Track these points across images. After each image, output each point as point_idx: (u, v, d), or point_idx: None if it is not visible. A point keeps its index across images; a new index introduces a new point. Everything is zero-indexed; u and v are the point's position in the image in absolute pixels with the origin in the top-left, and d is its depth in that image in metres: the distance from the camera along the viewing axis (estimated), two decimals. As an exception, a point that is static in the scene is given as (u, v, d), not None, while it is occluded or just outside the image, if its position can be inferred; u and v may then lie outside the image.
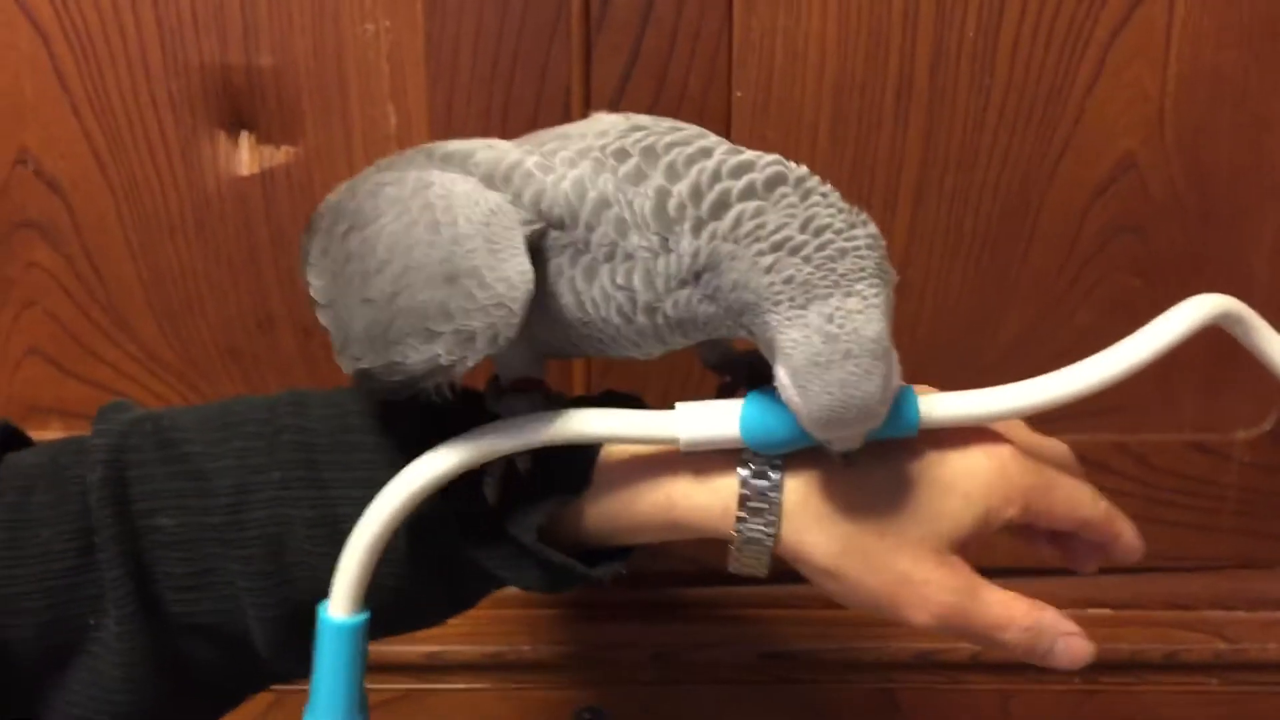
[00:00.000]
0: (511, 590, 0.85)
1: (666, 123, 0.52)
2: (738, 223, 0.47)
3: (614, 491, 0.54)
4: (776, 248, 0.46)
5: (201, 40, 0.77)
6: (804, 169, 0.48)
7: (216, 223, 0.79)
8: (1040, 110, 0.79)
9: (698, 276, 0.47)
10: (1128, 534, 0.56)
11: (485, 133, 0.77)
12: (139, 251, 0.80)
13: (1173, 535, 0.88)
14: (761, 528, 0.51)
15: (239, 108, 0.78)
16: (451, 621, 0.85)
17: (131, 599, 0.54)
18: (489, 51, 0.77)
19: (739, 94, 0.78)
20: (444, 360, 0.49)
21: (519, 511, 0.53)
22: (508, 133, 0.77)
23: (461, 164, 0.52)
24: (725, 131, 0.78)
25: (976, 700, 0.88)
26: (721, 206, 0.47)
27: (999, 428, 0.54)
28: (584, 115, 0.76)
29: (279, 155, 0.78)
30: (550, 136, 0.53)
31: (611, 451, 0.54)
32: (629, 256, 0.48)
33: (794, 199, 0.47)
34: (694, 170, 0.48)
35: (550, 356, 0.56)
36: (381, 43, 0.77)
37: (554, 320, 0.51)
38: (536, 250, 0.49)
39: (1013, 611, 0.53)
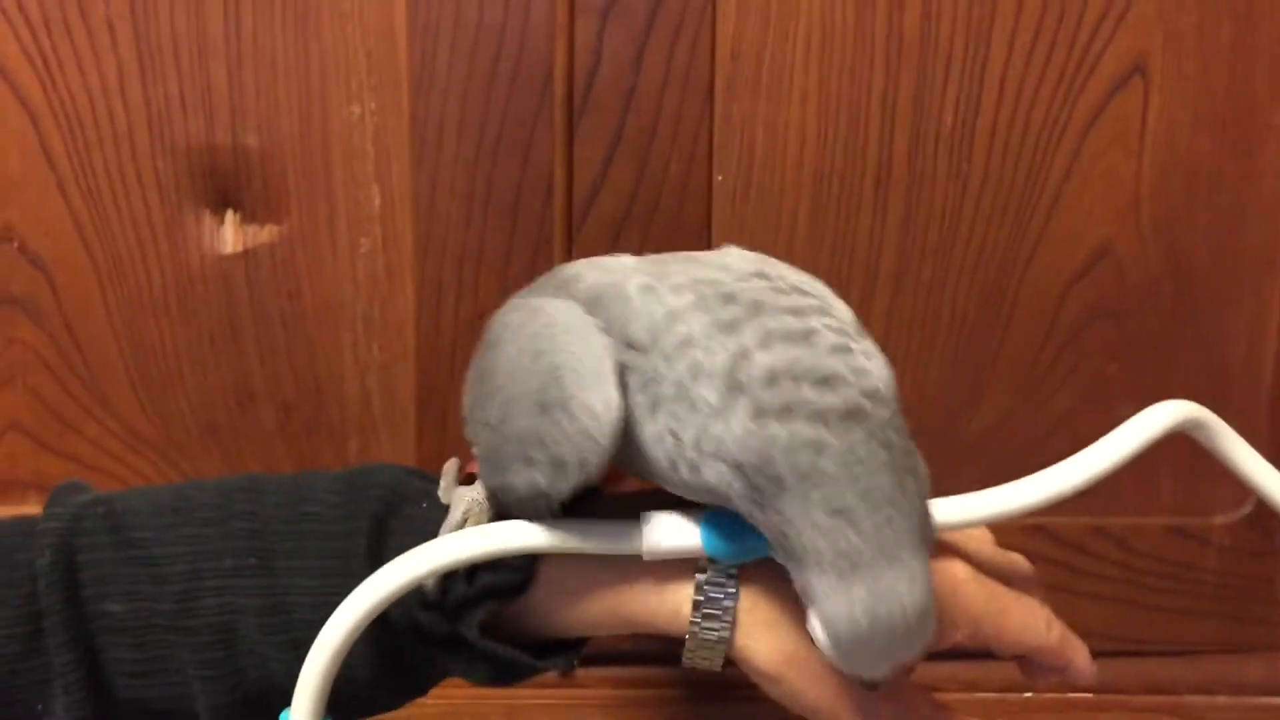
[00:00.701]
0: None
1: (796, 276, 0.50)
2: (793, 452, 0.44)
3: (563, 586, 0.53)
4: (834, 514, 0.44)
5: (189, 121, 0.77)
6: (888, 395, 0.46)
7: (199, 301, 0.80)
8: (1017, 198, 0.80)
9: (738, 468, 0.45)
10: (1080, 661, 0.55)
11: (467, 214, 0.78)
12: (121, 329, 0.80)
13: (1153, 619, 0.88)
14: (716, 631, 0.51)
15: (224, 187, 0.78)
16: (429, 701, 0.85)
17: (81, 685, 0.53)
18: (473, 135, 0.78)
19: (720, 178, 0.79)
20: (543, 486, 0.49)
21: (463, 608, 0.53)
22: (489, 215, 0.79)
23: (571, 289, 0.51)
24: (705, 215, 0.79)
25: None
26: (787, 413, 0.44)
27: (959, 538, 0.54)
28: (566, 198, 0.79)
29: (263, 234, 0.79)
30: (675, 260, 0.51)
31: None
32: (693, 407, 0.46)
33: (859, 452, 0.44)
34: (782, 350, 0.45)
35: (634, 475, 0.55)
36: (367, 125, 0.78)
37: (634, 451, 0.49)
38: (623, 377, 0.48)
39: None
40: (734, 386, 0.45)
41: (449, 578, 0.53)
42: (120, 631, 0.54)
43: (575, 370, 0.48)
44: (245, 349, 0.81)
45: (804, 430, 0.44)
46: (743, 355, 0.45)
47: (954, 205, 0.80)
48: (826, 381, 0.45)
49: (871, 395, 0.45)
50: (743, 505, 0.46)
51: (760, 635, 0.51)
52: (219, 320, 0.80)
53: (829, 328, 0.46)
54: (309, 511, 0.56)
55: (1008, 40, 0.78)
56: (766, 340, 0.46)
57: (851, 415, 0.44)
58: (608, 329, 0.49)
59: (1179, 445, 0.84)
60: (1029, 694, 0.86)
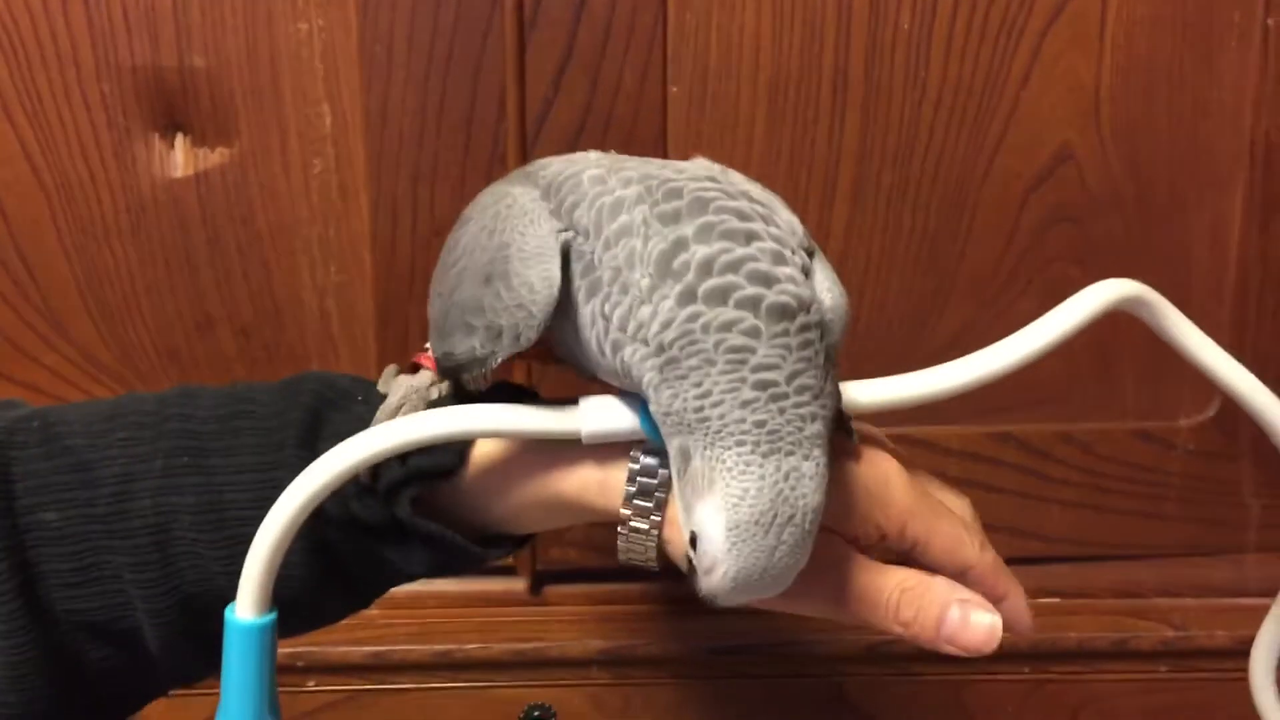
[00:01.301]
0: (458, 588, 0.87)
1: (756, 189, 0.50)
2: (726, 330, 0.44)
3: (496, 469, 0.53)
4: (761, 387, 0.44)
5: (134, 41, 0.76)
6: (819, 310, 0.46)
7: (152, 225, 0.79)
8: (976, 103, 0.79)
9: (661, 350, 0.46)
10: (1017, 597, 0.53)
11: (420, 131, 0.77)
12: (74, 254, 0.79)
13: (1119, 523, 0.88)
14: (648, 513, 0.51)
15: (173, 109, 0.77)
16: (398, 621, 0.86)
17: (15, 594, 0.53)
18: (423, 50, 0.76)
19: (674, 89, 0.78)
20: (479, 352, 0.50)
21: (396, 490, 0.53)
22: (442, 132, 0.78)
23: (536, 176, 0.53)
24: (660, 127, 0.78)
25: (926, 691, 0.89)
26: (718, 299, 0.45)
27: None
28: (519, 113, 0.78)
29: (213, 157, 0.78)
30: (636, 159, 0.52)
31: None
32: (625, 290, 0.47)
33: (790, 341, 0.44)
34: (722, 245, 0.45)
35: (571, 368, 0.55)
36: (315, 42, 0.76)
37: (571, 332, 0.50)
38: (568, 259, 0.49)
39: (890, 578, 0.50)
40: (666, 273, 0.46)
41: (382, 464, 0.53)
42: (56, 541, 0.54)
43: (521, 249, 0.49)
44: (201, 273, 0.80)
45: (733, 314, 0.44)
46: (680, 244, 0.46)
47: (912, 112, 0.79)
48: (761, 277, 0.45)
49: (801, 302, 0.45)
50: (654, 392, 0.46)
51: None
52: (173, 245, 0.79)
53: (771, 235, 0.47)
54: (242, 409, 0.55)
55: (964, -59, 0.77)
56: (706, 234, 0.46)
57: (782, 311, 0.45)
58: (557, 213, 0.50)
59: (1141, 348, 0.84)
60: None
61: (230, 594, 0.53)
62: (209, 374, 0.81)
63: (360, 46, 0.76)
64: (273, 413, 0.55)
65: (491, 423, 0.51)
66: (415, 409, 0.54)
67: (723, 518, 0.44)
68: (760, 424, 0.44)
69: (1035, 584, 0.88)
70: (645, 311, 0.46)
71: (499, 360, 0.50)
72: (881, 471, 0.51)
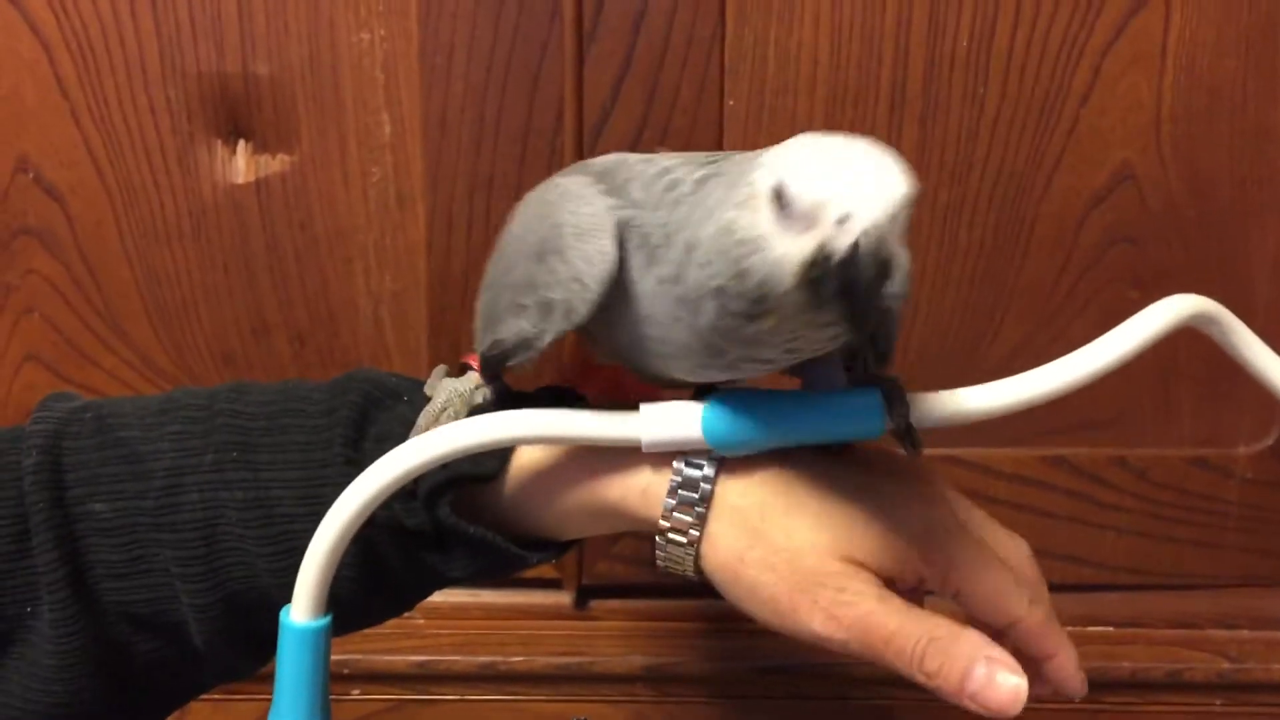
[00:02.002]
0: (503, 600, 0.87)
1: None
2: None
3: (537, 473, 0.53)
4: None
5: (199, 48, 0.77)
6: None
7: (213, 230, 0.80)
8: (1035, 120, 0.78)
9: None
10: (1066, 658, 0.51)
11: (478, 139, 0.78)
12: (135, 258, 0.80)
13: (1175, 552, 0.87)
14: (689, 524, 0.50)
15: (236, 116, 0.78)
16: (443, 631, 0.86)
17: (64, 584, 0.53)
18: (482, 59, 0.77)
19: (731, 103, 0.78)
20: (528, 332, 0.49)
21: (437, 493, 0.53)
22: (499, 142, 0.78)
23: (585, 167, 0.53)
24: (717, 140, 0.78)
25: (975, 718, 0.87)
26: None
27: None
28: (576, 123, 0.78)
29: (274, 163, 0.79)
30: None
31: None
32: (685, 248, 0.46)
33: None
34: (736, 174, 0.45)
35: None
36: (376, 51, 0.77)
37: (631, 320, 0.49)
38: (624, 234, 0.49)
39: (920, 625, 0.48)
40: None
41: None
42: (105, 532, 0.54)
43: (576, 225, 0.48)
44: (258, 279, 0.81)
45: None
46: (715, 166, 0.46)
47: (970, 128, 0.79)
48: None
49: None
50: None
51: (722, 519, 0.50)
52: (232, 250, 0.80)
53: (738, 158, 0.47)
54: (291, 407, 0.56)
55: (1024, -41, 0.76)
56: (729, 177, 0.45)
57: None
58: (610, 192, 0.49)
59: (1200, 373, 0.83)
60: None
61: (275, 591, 0.53)
62: (263, 378, 0.81)
63: (420, 56, 0.77)
64: (321, 410, 0.55)
65: (548, 428, 0.51)
66: (458, 413, 0.54)
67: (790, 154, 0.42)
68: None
69: (1087, 612, 0.87)
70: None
71: (547, 341, 0.49)
72: (930, 515, 0.50)
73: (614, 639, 0.86)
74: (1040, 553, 0.53)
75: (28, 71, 0.77)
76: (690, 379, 0.50)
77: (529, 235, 0.51)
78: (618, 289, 0.48)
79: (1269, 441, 0.85)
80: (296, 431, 0.55)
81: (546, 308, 0.49)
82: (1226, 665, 0.86)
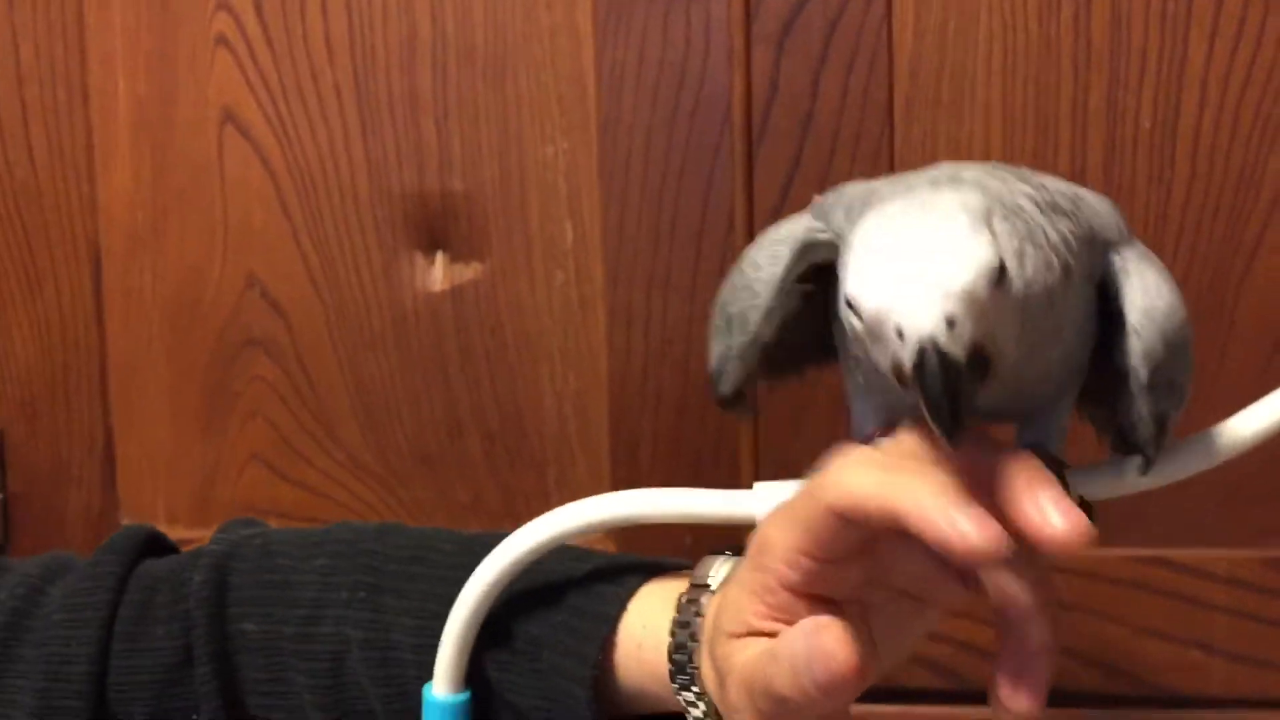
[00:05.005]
0: None
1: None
2: None
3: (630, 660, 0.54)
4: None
5: (404, 170, 0.84)
6: None
7: (412, 336, 0.85)
8: (1229, 202, 0.75)
9: None
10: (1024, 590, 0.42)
11: (654, 244, 0.81)
12: (346, 364, 0.87)
13: None
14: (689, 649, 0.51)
15: (434, 229, 0.84)
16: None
17: (217, 695, 0.58)
18: (658, 167, 0.80)
19: (902, 197, 0.78)
20: (719, 351, 0.50)
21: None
22: (675, 245, 0.81)
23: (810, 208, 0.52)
24: (888, 233, 0.78)
25: None
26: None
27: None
28: (747, 224, 0.80)
29: (468, 272, 0.84)
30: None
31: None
32: None
33: None
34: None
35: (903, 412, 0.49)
36: (560, 163, 0.82)
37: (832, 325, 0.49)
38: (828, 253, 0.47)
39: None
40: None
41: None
42: (253, 650, 0.59)
43: (759, 242, 0.49)
44: (453, 382, 0.85)
45: None
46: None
47: (1158, 212, 0.76)
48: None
49: None
50: None
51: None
52: (430, 355, 0.86)
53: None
54: (423, 555, 0.59)
55: (1207, 36, 0.74)
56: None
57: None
58: (818, 217, 0.49)
59: None
60: None
61: None
62: (458, 478, 0.86)
63: (600, 166, 0.81)
64: (452, 564, 0.58)
65: (661, 506, 0.52)
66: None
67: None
68: None
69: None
70: None
71: (735, 356, 0.49)
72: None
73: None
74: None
75: (256, 198, 0.86)
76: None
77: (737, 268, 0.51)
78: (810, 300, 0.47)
79: None
80: (423, 580, 0.58)
81: (727, 320, 0.49)
82: None
